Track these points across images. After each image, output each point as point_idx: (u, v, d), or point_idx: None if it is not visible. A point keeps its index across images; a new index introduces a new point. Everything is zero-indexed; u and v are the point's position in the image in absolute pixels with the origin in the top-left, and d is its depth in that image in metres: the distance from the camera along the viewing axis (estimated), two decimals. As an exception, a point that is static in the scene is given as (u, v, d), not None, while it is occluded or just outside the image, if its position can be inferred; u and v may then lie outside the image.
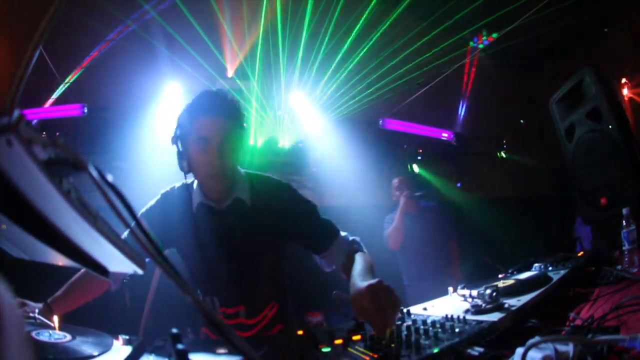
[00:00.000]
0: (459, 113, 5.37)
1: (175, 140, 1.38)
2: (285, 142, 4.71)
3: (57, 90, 3.85)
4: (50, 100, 3.86)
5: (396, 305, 0.92)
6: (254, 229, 1.44)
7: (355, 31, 4.28)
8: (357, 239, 1.49)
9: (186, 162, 1.37)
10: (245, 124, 1.43)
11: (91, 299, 1.49)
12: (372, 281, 0.98)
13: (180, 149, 1.37)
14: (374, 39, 4.34)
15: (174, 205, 1.48)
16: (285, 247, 1.57)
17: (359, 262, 1.30)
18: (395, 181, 3.44)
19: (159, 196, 1.54)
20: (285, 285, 1.62)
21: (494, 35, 4.69)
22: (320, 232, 1.46)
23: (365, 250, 1.44)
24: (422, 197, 3.35)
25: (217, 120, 1.33)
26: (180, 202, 1.47)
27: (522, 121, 5.30)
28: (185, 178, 1.42)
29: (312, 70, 4.49)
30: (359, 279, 1.11)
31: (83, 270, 1.45)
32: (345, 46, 4.36)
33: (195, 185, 1.48)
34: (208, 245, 1.44)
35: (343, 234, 1.48)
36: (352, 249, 1.43)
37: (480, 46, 4.92)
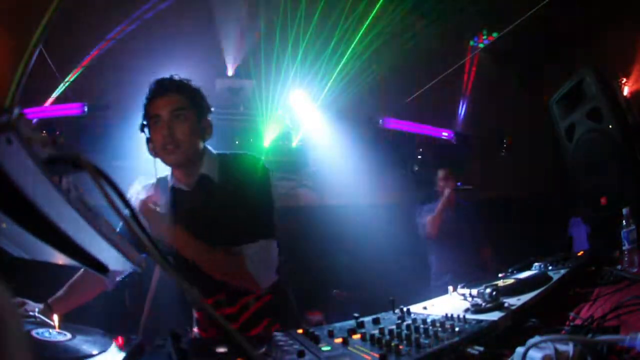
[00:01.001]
0: (459, 112, 5.37)
1: (142, 127, 1.47)
2: (287, 142, 4.71)
3: (57, 90, 3.85)
4: (51, 99, 3.86)
5: None
6: (222, 206, 1.42)
7: (358, 30, 4.27)
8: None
9: (151, 145, 1.45)
10: (198, 102, 1.48)
11: (91, 299, 1.50)
12: None
13: (147, 135, 1.46)
14: (374, 36, 4.33)
15: (155, 196, 1.50)
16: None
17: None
18: (442, 172, 3.45)
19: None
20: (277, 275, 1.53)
21: (494, 34, 4.68)
22: (250, 227, 1.40)
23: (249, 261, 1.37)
24: (466, 191, 3.40)
25: (164, 97, 1.42)
26: (159, 192, 1.50)
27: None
28: (154, 163, 1.47)
29: (312, 69, 4.49)
30: None
31: (82, 270, 1.46)
32: (347, 45, 4.35)
33: (170, 171, 1.52)
34: (182, 228, 1.41)
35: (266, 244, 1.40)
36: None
37: (481, 45, 4.90)
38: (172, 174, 1.51)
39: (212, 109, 1.54)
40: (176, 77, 1.49)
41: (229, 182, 1.44)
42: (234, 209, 1.42)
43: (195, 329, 1.57)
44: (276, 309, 1.49)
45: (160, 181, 1.54)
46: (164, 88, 1.44)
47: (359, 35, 4.31)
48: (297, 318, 1.63)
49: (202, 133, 1.48)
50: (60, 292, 1.42)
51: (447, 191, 3.25)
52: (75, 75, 3.90)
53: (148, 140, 1.46)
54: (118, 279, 1.52)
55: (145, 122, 1.46)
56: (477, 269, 3.14)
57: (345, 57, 4.42)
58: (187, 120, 1.42)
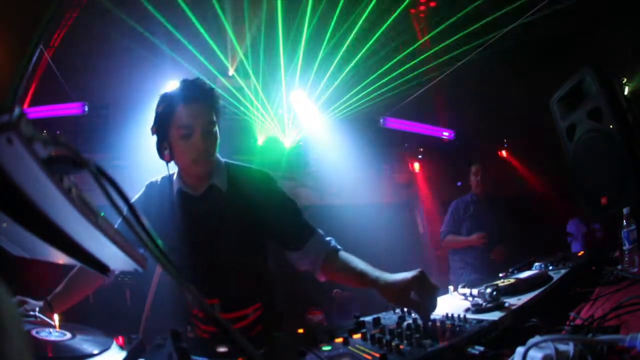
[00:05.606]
0: (460, 112, 5.37)
1: (154, 130, 1.37)
2: (286, 141, 4.71)
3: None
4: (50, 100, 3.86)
5: (436, 289, 1.02)
6: (228, 216, 1.42)
7: (355, 29, 4.27)
8: (332, 239, 1.40)
9: (168, 151, 1.36)
10: (222, 113, 1.43)
11: (90, 293, 1.50)
12: (415, 272, 1.04)
13: (162, 139, 1.36)
14: (375, 37, 4.33)
15: (157, 195, 1.49)
16: (265, 241, 1.52)
17: (357, 260, 1.29)
18: (474, 168, 3.57)
19: (144, 188, 1.54)
20: (270, 285, 1.56)
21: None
22: (296, 229, 1.39)
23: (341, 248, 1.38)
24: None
25: (199, 107, 1.33)
26: (162, 192, 1.48)
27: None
28: (167, 167, 1.40)
29: (313, 69, 4.49)
30: (382, 273, 1.15)
31: (78, 266, 1.46)
32: (346, 44, 4.35)
33: (175, 173, 1.47)
34: (185, 232, 1.42)
35: (320, 231, 1.41)
36: (331, 248, 1.36)
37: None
38: (180, 176, 1.45)
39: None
40: (202, 82, 1.41)
41: (237, 193, 1.42)
42: (242, 222, 1.41)
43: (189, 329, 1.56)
44: (267, 316, 1.50)
45: (163, 180, 1.50)
46: (199, 95, 1.34)
47: (359, 35, 4.31)
48: (283, 321, 1.62)
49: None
50: (58, 289, 1.40)
51: (476, 237, 3.34)
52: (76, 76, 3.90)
53: (161, 143, 1.36)
54: (116, 272, 1.51)
55: (159, 124, 1.35)
56: (491, 266, 3.25)
57: (342, 56, 4.42)
58: (216, 132, 1.38)
